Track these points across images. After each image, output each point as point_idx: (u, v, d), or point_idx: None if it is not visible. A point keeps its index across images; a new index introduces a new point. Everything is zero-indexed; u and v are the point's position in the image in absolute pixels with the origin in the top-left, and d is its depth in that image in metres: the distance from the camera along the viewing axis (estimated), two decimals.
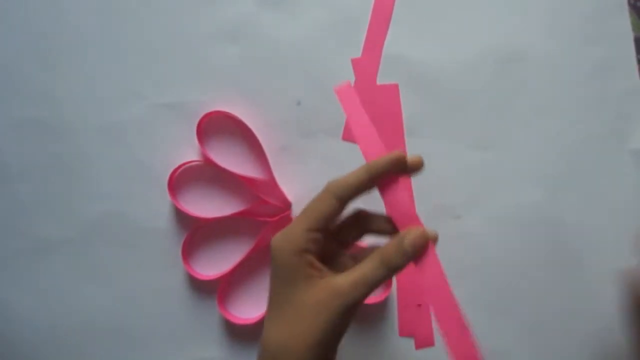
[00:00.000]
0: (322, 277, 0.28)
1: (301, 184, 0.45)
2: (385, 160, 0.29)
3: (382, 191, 0.29)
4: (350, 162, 0.44)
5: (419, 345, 0.44)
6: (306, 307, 0.27)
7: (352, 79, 0.45)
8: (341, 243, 0.32)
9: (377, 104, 0.45)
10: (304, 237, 0.28)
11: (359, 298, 0.27)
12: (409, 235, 0.28)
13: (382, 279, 0.28)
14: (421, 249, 0.28)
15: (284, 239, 0.28)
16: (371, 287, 0.27)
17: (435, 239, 0.29)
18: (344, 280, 0.27)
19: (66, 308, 0.46)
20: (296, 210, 0.45)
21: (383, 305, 0.44)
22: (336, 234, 0.31)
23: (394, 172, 0.29)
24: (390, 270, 0.28)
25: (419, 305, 0.44)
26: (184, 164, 0.44)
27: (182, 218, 0.45)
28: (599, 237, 0.45)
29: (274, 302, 0.29)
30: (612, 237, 0.45)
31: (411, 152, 0.45)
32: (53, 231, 0.46)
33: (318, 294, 0.27)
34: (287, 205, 0.44)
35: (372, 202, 0.32)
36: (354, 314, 0.29)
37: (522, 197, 0.45)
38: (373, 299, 0.44)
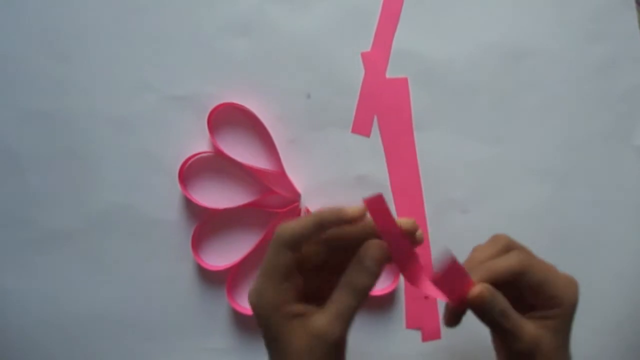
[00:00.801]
0: (307, 320, 0.27)
1: (310, 176, 0.45)
2: (333, 214, 0.28)
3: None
4: (359, 154, 0.45)
5: (425, 338, 0.45)
6: (294, 358, 0.27)
7: (362, 72, 0.46)
8: (334, 267, 0.29)
9: (386, 98, 0.46)
10: (275, 293, 0.27)
11: (340, 334, 0.27)
12: (367, 252, 0.27)
13: (357, 306, 0.27)
14: (384, 261, 0.27)
15: (259, 300, 0.28)
16: (348, 319, 0.27)
17: (420, 239, 0.29)
18: (322, 320, 0.27)
19: (75, 299, 0.46)
20: (305, 202, 0.45)
21: (390, 297, 0.45)
22: (321, 265, 0.30)
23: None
24: (361, 294, 0.27)
25: (426, 297, 0.44)
26: (195, 155, 0.45)
27: (192, 209, 0.45)
28: (605, 233, 0.45)
29: (268, 356, 0.29)
30: (618, 233, 0.45)
31: (420, 146, 0.46)
32: (63, 222, 0.46)
33: (301, 343, 0.27)
34: (297, 196, 0.45)
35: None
36: (344, 346, 0.28)
37: (529, 192, 0.46)
38: (380, 290, 0.44)
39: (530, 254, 0.31)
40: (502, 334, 0.29)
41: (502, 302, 0.29)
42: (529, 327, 0.29)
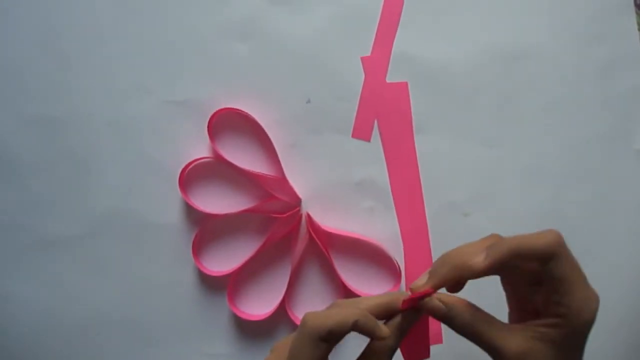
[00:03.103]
0: None
1: (311, 181, 0.45)
2: (368, 327, 0.27)
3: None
4: (360, 158, 0.45)
5: None
6: None
7: (362, 77, 0.46)
8: None
9: (387, 102, 0.46)
10: None
11: None
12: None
13: None
14: None
15: None
16: None
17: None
18: None
19: (75, 303, 0.46)
20: (306, 207, 0.45)
21: None
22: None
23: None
24: None
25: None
26: (195, 160, 0.45)
27: (192, 214, 0.45)
28: (605, 235, 0.45)
29: None
30: (617, 235, 0.45)
31: (421, 150, 0.46)
32: (63, 226, 0.46)
33: None
34: (297, 201, 0.45)
35: None
36: None
37: (530, 194, 0.46)
38: (382, 294, 0.44)
39: (569, 250, 0.27)
40: (482, 348, 0.27)
41: (465, 317, 0.27)
42: (514, 341, 0.26)
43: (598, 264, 0.45)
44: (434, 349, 0.45)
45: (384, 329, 0.27)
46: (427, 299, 0.27)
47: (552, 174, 0.46)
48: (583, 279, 0.27)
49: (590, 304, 0.26)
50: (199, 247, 0.45)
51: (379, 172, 0.45)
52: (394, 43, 0.46)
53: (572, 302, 0.26)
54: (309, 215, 0.44)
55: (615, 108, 0.46)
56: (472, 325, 0.27)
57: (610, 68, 0.46)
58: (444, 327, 0.44)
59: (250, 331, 0.45)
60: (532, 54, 0.46)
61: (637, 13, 0.46)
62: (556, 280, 0.26)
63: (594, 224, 0.46)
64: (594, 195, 0.46)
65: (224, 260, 0.45)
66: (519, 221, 0.45)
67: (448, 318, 0.27)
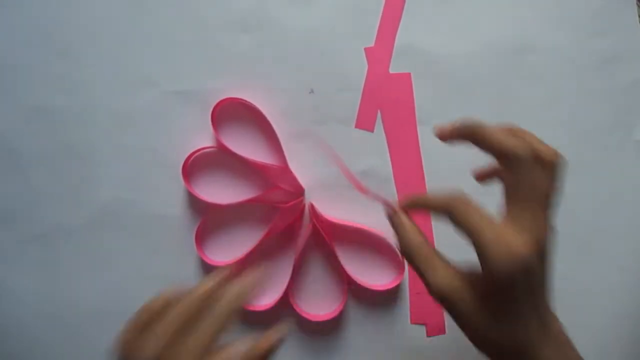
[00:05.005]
0: None
1: (314, 171, 0.45)
2: None
3: None
4: (363, 149, 0.45)
5: (430, 333, 0.45)
6: None
7: (365, 67, 0.46)
8: None
9: (390, 92, 0.46)
10: None
11: None
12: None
13: None
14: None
15: None
16: None
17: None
18: None
19: (78, 295, 0.45)
20: (309, 197, 0.45)
21: (395, 292, 0.44)
22: None
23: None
24: None
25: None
26: (198, 150, 0.45)
27: (195, 204, 0.45)
28: (607, 227, 0.46)
29: None
30: (619, 227, 0.46)
31: (423, 141, 0.46)
32: (66, 218, 0.46)
33: None
34: (300, 191, 0.45)
35: None
36: None
37: None
38: (385, 285, 0.44)
39: (469, 204, 0.28)
40: (416, 273, 0.30)
41: (411, 238, 0.30)
42: (441, 275, 0.28)
43: (599, 255, 0.45)
44: (436, 339, 0.45)
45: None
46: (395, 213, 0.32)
47: None
48: (495, 232, 0.26)
49: (502, 257, 0.26)
50: (202, 238, 0.45)
51: (382, 163, 0.45)
52: (397, 34, 0.46)
53: (483, 253, 0.26)
54: (312, 206, 0.44)
55: (616, 101, 0.46)
56: (413, 249, 0.30)
57: (611, 61, 0.46)
58: (448, 320, 0.44)
59: (254, 321, 0.45)
60: (534, 47, 0.46)
61: (638, 6, 0.47)
62: (463, 231, 0.27)
63: (595, 216, 0.46)
64: (595, 187, 0.46)
65: (228, 251, 0.45)
66: None
67: (398, 234, 0.31)
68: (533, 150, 0.28)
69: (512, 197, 0.28)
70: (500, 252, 0.26)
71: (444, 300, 0.28)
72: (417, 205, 0.31)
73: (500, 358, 0.28)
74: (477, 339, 0.29)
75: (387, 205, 0.32)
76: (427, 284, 0.29)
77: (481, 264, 0.27)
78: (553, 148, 0.29)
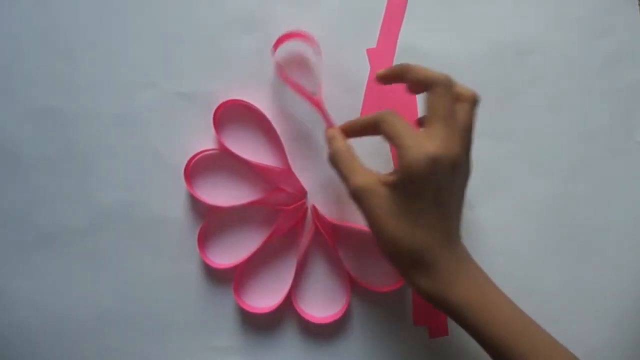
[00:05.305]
0: None
1: (317, 173, 0.45)
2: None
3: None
4: (366, 151, 0.45)
5: (433, 334, 0.45)
6: None
7: (367, 69, 0.46)
8: None
9: (393, 94, 0.46)
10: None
11: None
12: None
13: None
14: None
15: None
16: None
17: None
18: None
19: (79, 298, 0.45)
20: (312, 199, 0.45)
21: (398, 293, 0.44)
22: None
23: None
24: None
25: None
26: (200, 152, 0.44)
27: (197, 206, 0.45)
28: (610, 228, 0.46)
29: None
30: (622, 228, 0.46)
31: None
32: (67, 221, 0.45)
33: None
34: (303, 193, 0.45)
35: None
36: None
37: (535, 188, 0.46)
38: (387, 287, 0.44)
39: (395, 116, 0.34)
40: (339, 176, 0.36)
41: (338, 145, 0.36)
42: (361, 178, 0.34)
43: (600, 256, 0.45)
44: (439, 341, 0.45)
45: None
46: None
47: (556, 167, 0.46)
48: (414, 138, 0.32)
49: (415, 153, 0.31)
50: (204, 240, 0.45)
51: (385, 165, 0.45)
52: (400, 35, 0.46)
53: (402, 154, 0.32)
54: (314, 208, 0.44)
55: (618, 101, 0.46)
56: (337, 155, 0.36)
57: (614, 62, 0.46)
58: (450, 322, 0.44)
59: (256, 324, 0.45)
60: (536, 48, 0.46)
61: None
62: (388, 138, 0.34)
63: (597, 216, 0.46)
64: (598, 188, 0.46)
65: (230, 253, 0.45)
66: (523, 214, 0.45)
67: (328, 144, 0.37)
68: (450, 81, 0.34)
69: (431, 117, 0.33)
70: (415, 152, 0.31)
71: (361, 196, 0.33)
72: (352, 124, 0.37)
73: (403, 264, 0.34)
74: (385, 239, 0.33)
75: (327, 123, 0.39)
76: (348, 186, 0.34)
77: (399, 164, 0.32)
78: (472, 89, 0.35)
